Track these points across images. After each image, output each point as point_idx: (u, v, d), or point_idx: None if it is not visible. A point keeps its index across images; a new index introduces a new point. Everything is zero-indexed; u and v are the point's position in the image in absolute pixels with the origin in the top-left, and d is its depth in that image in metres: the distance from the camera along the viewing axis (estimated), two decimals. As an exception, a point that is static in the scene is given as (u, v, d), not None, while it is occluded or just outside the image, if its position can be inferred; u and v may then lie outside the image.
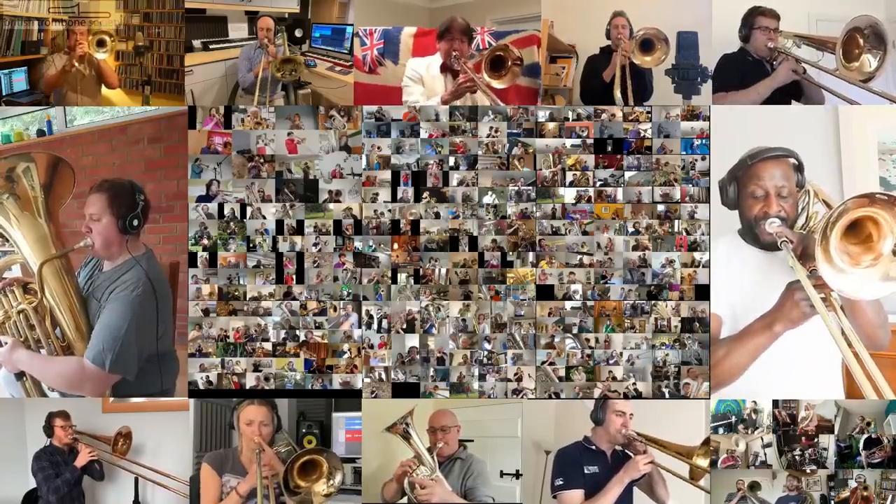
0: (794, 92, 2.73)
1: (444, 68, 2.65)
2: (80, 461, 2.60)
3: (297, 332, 2.44)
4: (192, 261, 2.45)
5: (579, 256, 2.42)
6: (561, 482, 2.26)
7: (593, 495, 2.22)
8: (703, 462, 2.22)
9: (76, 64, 2.82)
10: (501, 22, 3.20)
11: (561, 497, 2.25)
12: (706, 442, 2.31)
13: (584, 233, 2.43)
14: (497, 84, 2.50)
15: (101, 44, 2.85)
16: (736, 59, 2.74)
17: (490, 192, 2.44)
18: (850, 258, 1.84)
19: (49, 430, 2.65)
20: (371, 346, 2.43)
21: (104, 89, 2.98)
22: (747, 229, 2.20)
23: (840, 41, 2.45)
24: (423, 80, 2.69)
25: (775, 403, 2.47)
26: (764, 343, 2.00)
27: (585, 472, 2.26)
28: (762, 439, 2.48)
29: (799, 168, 2.19)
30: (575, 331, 2.42)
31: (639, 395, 2.40)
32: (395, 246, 2.44)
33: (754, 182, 2.15)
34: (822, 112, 2.90)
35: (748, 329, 2.03)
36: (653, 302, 2.42)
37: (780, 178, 2.14)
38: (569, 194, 2.44)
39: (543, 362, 2.42)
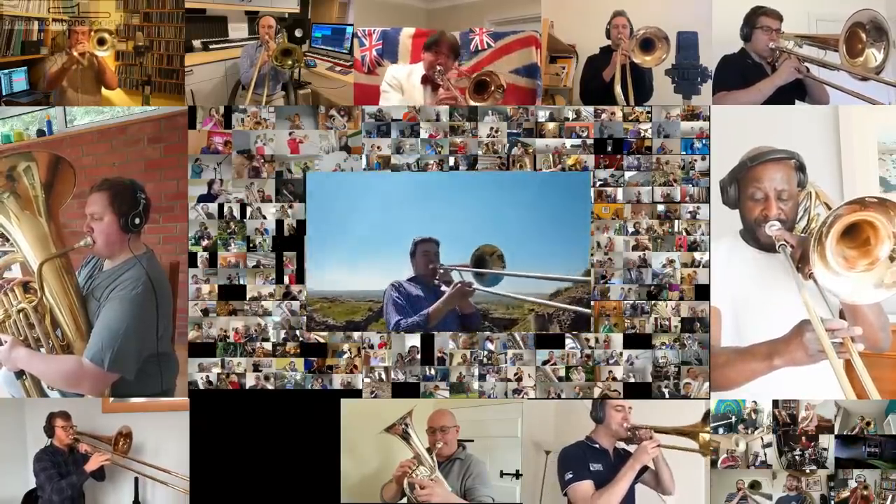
0: (798, 91, 2.72)
1: (426, 80, 2.64)
2: (91, 466, 2.59)
3: (297, 331, 2.44)
4: (192, 261, 2.46)
5: (579, 256, 2.43)
6: (571, 475, 2.26)
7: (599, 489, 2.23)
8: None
9: (77, 56, 2.81)
10: (500, 23, 3.20)
11: (572, 489, 2.25)
12: (706, 416, 2.33)
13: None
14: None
15: (101, 42, 2.85)
16: (736, 61, 2.73)
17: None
18: (845, 262, 1.84)
19: (50, 430, 2.65)
20: (371, 346, 2.43)
21: (104, 90, 2.98)
22: (748, 231, 2.20)
23: (842, 38, 2.44)
24: (402, 87, 2.67)
25: (775, 403, 2.47)
26: (760, 370, 1.99)
27: (591, 468, 2.27)
28: (762, 439, 2.48)
29: (800, 168, 2.19)
30: (575, 331, 2.42)
31: (639, 395, 2.40)
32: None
33: (754, 185, 2.15)
34: (821, 112, 2.90)
35: (750, 350, 2.03)
36: (653, 302, 2.42)
37: (780, 180, 2.13)
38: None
39: (544, 362, 2.42)
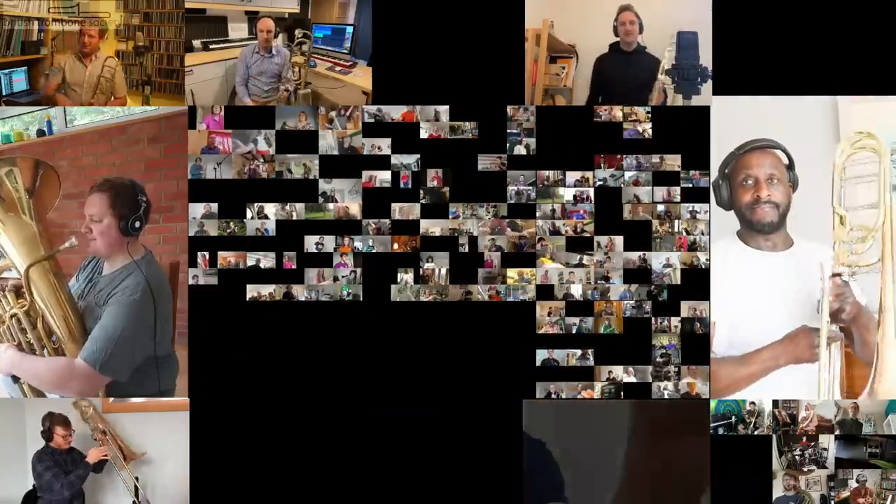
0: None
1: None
2: (93, 458, 2.60)
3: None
4: (192, 261, 2.46)
5: (579, 256, 2.43)
6: None
7: None
8: None
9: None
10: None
11: None
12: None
13: (583, 232, 2.44)
14: None
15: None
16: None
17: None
18: None
19: (48, 435, 2.65)
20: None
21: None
22: (744, 224, 2.21)
23: None
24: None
25: (775, 403, 2.47)
26: (761, 373, 2.01)
27: None
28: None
29: (790, 167, 2.21)
30: (574, 331, 2.42)
31: (639, 395, 2.40)
32: (395, 246, 2.44)
33: (744, 171, 2.18)
34: (821, 109, 2.89)
35: (752, 357, 2.04)
36: (653, 302, 2.42)
37: (770, 165, 2.18)
38: (568, 194, 2.44)
39: (544, 362, 2.42)
